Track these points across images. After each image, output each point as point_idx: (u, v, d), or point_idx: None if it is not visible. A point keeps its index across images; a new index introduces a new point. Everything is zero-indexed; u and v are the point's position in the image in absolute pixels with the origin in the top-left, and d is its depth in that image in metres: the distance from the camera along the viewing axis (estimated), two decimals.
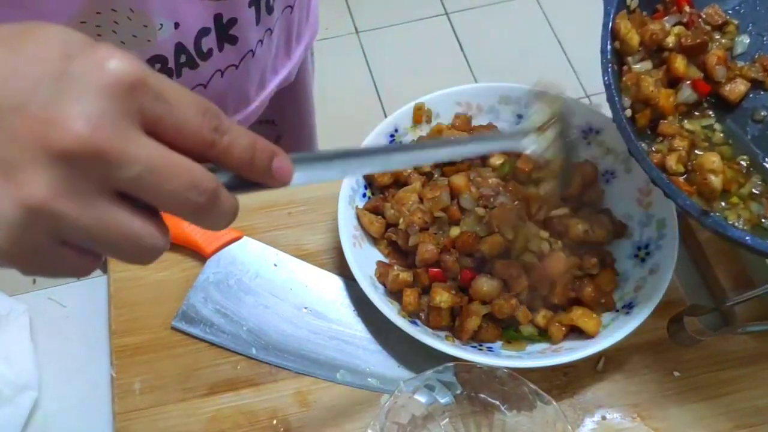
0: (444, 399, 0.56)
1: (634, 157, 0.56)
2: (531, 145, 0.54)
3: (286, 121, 0.99)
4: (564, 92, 0.57)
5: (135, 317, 0.66)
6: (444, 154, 0.53)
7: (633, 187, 0.69)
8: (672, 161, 0.56)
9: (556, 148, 0.55)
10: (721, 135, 0.59)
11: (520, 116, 0.73)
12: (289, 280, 0.68)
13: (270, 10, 0.70)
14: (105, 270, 0.70)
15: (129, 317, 0.66)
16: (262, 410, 0.62)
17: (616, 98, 0.58)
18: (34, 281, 1.77)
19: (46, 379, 0.65)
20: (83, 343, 0.67)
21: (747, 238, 0.51)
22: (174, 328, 0.65)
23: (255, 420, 0.61)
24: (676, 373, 0.64)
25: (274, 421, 0.61)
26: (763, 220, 0.55)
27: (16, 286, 1.70)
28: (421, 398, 0.56)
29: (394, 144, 0.52)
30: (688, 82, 0.59)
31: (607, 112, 0.70)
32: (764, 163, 0.57)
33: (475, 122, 0.73)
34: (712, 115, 0.59)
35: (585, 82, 1.96)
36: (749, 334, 0.65)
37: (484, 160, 0.70)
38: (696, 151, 0.57)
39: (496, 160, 0.69)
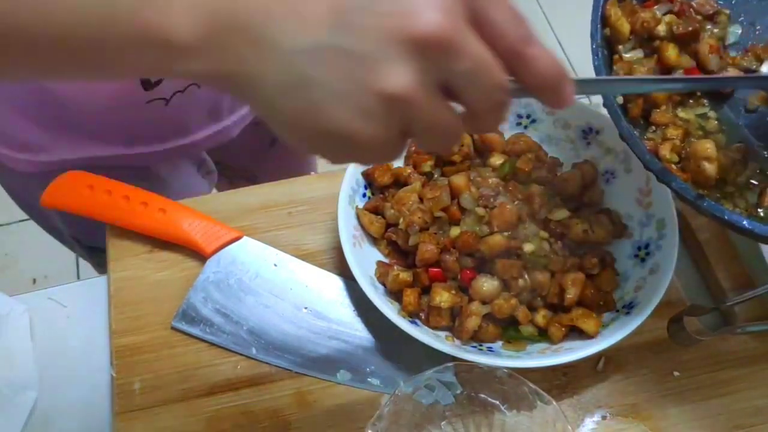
0: (444, 399, 0.56)
1: (626, 141, 0.56)
2: None
3: None
4: None
5: (135, 317, 0.66)
6: (695, 86, 0.54)
7: (633, 187, 0.69)
8: (665, 150, 0.55)
9: None
10: (716, 123, 0.58)
11: (519, 116, 0.73)
12: (289, 280, 0.68)
13: None
14: (104, 268, 0.70)
15: (129, 317, 0.66)
16: (262, 410, 0.62)
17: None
18: (34, 281, 1.77)
19: (46, 379, 0.64)
20: (83, 343, 0.67)
21: (744, 222, 0.50)
22: (174, 328, 0.65)
23: (255, 420, 0.61)
24: (675, 373, 0.64)
25: (274, 421, 0.61)
26: (759, 210, 0.54)
27: (16, 286, 1.70)
28: (421, 398, 0.56)
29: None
30: (681, 71, 0.58)
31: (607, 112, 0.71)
32: (760, 152, 0.56)
33: None
34: (707, 104, 0.59)
35: None
36: (749, 334, 0.65)
37: (484, 160, 0.70)
38: (691, 140, 0.57)
39: (496, 160, 0.69)
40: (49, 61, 0.39)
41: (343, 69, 0.35)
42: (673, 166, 0.55)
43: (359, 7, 0.35)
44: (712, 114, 0.58)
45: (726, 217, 0.50)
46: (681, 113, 0.58)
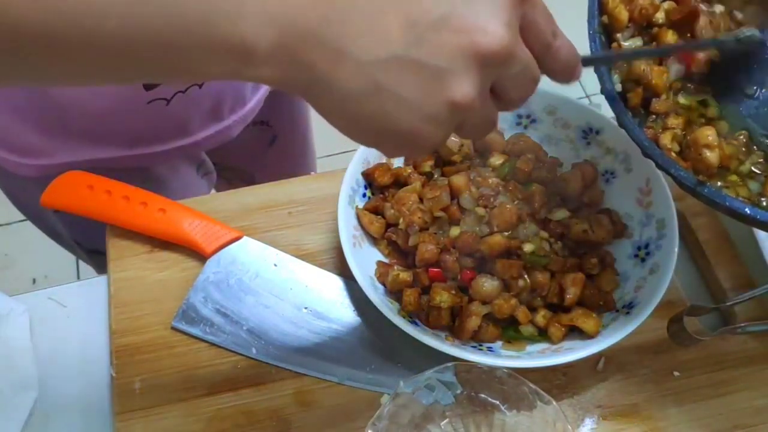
0: (444, 399, 0.56)
1: (625, 128, 0.55)
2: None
3: (282, 122, 0.99)
4: None
5: (135, 317, 0.66)
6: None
7: (633, 187, 0.69)
8: (666, 139, 0.54)
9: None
10: (716, 109, 0.57)
11: (519, 116, 0.73)
12: (289, 280, 0.68)
13: None
14: (105, 270, 0.70)
15: (129, 317, 0.66)
16: (262, 410, 0.62)
17: (603, 67, 0.57)
18: (34, 281, 1.77)
19: (46, 379, 0.64)
20: (83, 343, 0.67)
21: (747, 209, 0.50)
22: (174, 328, 0.65)
23: (255, 420, 0.61)
24: (675, 373, 0.64)
25: (274, 421, 0.61)
26: (762, 199, 0.53)
27: (16, 286, 1.70)
28: (421, 398, 0.56)
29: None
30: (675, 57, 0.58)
31: (607, 112, 0.71)
32: (763, 140, 0.56)
33: None
34: (708, 90, 0.58)
35: (585, 82, 1.96)
36: (749, 334, 0.65)
37: (484, 160, 0.70)
38: (693, 128, 0.56)
39: (496, 160, 0.69)
40: (116, 68, 0.40)
41: (415, 80, 0.38)
42: (674, 154, 0.54)
43: (432, 23, 0.38)
44: (712, 101, 0.58)
45: (727, 204, 0.50)
46: (681, 99, 0.57)
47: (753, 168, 0.54)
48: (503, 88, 0.42)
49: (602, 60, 0.57)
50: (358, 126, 0.41)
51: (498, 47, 0.38)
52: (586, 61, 0.48)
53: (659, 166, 0.53)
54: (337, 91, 0.39)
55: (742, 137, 0.56)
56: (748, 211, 0.49)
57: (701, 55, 0.57)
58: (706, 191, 0.51)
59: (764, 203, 0.53)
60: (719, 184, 0.54)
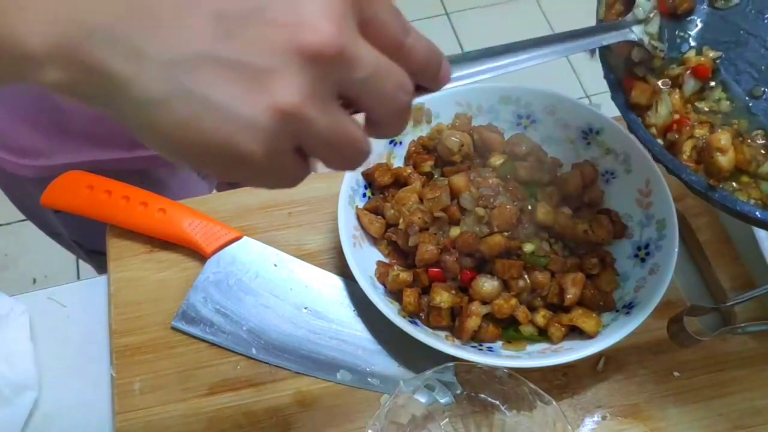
0: (444, 399, 0.56)
1: (631, 130, 0.55)
2: (639, 35, 0.54)
3: None
4: None
5: (135, 317, 0.66)
6: (564, 48, 0.50)
7: (633, 187, 0.69)
8: (687, 147, 0.55)
9: (662, 41, 0.55)
10: (728, 103, 0.58)
11: (519, 116, 0.73)
12: (289, 280, 0.68)
13: None
14: (105, 270, 0.70)
15: (129, 317, 0.66)
16: (262, 410, 0.62)
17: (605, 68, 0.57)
18: (34, 281, 1.77)
19: (46, 379, 0.64)
20: (83, 343, 0.67)
21: (757, 212, 0.50)
22: (174, 328, 0.65)
23: (255, 420, 0.61)
24: (675, 374, 0.64)
25: (274, 421, 0.61)
26: None
27: (16, 286, 1.70)
28: (421, 398, 0.56)
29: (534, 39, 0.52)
30: (688, 71, 0.58)
31: (607, 112, 0.71)
32: None
33: (475, 122, 0.73)
34: (719, 87, 0.58)
35: (585, 82, 1.96)
36: (749, 335, 0.65)
37: (484, 160, 0.70)
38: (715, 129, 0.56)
39: (496, 160, 0.69)
40: None
41: (227, 81, 0.33)
42: (685, 156, 0.55)
43: (246, 16, 0.33)
44: (722, 94, 0.58)
45: (738, 208, 0.50)
46: (701, 105, 0.58)
47: None
48: (359, 100, 0.36)
49: (478, 63, 0.45)
50: (169, 140, 0.34)
51: (326, 44, 0.33)
52: (460, 63, 0.42)
53: (670, 171, 0.53)
54: (136, 97, 0.33)
55: (759, 138, 0.56)
56: (759, 215, 0.50)
57: None
58: (717, 196, 0.51)
59: None
60: (733, 185, 0.54)
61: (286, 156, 0.35)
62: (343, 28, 0.33)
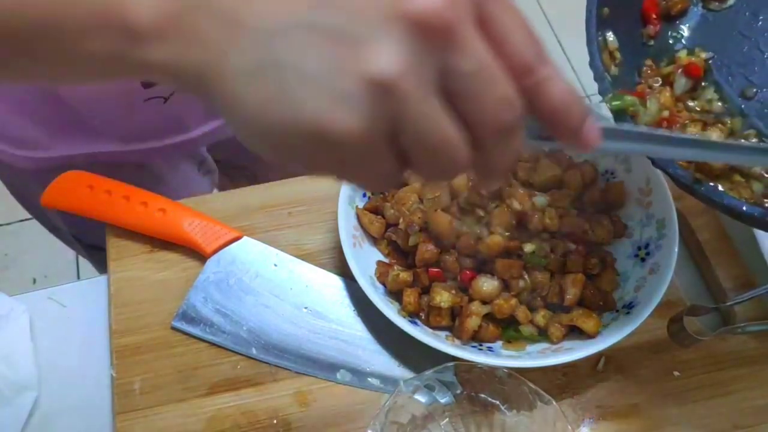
0: (444, 399, 0.56)
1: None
2: None
3: None
4: None
5: (135, 317, 0.66)
6: (741, 159, 0.47)
7: (633, 187, 0.69)
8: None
9: None
10: (720, 104, 0.58)
11: None
12: (289, 280, 0.68)
13: None
14: (104, 267, 0.70)
15: (129, 317, 0.66)
16: (262, 410, 0.62)
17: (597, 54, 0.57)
18: (34, 281, 1.77)
19: (46, 379, 0.64)
20: (83, 343, 0.67)
21: (744, 207, 0.49)
22: (174, 328, 0.65)
23: (255, 420, 0.61)
24: (675, 373, 0.64)
25: (274, 421, 0.61)
26: (765, 201, 0.53)
27: (16, 286, 1.70)
28: (421, 398, 0.56)
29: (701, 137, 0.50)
30: (680, 70, 0.58)
31: (607, 112, 0.70)
32: None
33: None
34: (711, 87, 0.58)
35: (585, 82, 1.96)
36: (749, 334, 0.65)
37: None
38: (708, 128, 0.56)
39: None
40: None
41: (319, 50, 0.30)
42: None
43: None
44: (714, 95, 0.58)
45: (725, 202, 0.50)
46: (692, 104, 0.58)
47: (763, 172, 0.54)
48: (460, 95, 0.32)
49: (637, 142, 0.40)
50: (257, 120, 0.32)
51: (432, 14, 0.29)
52: (613, 136, 0.37)
53: (657, 165, 0.53)
54: (232, 72, 0.31)
55: (752, 137, 0.56)
56: (745, 209, 0.49)
57: None
58: (703, 189, 0.51)
59: (767, 204, 0.53)
60: (726, 186, 0.54)
61: (381, 143, 0.32)
62: (454, 5, 0.30)
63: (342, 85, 0.30)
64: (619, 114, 0.54)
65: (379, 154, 0.32)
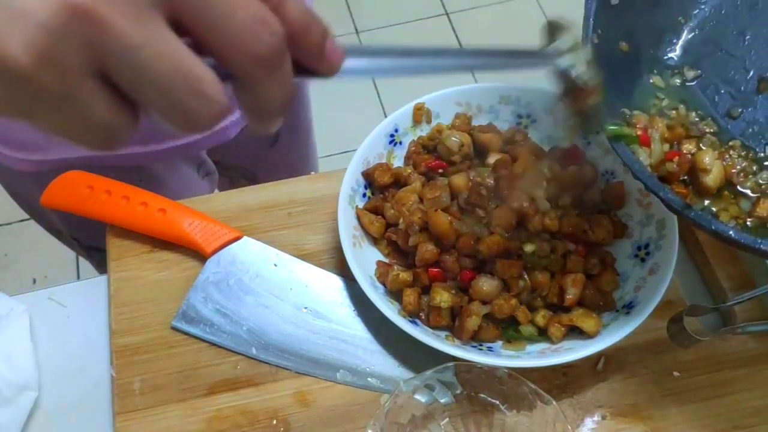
0: (444, 399, 0.56)
1: (614, 149, 0.56)
2: (567, 64, 0.48)
3: (284, 121, 0.99)
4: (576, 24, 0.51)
5: (135, 317, 0.66)
6: (477, 63, 0.43)
7: (633, 187, 0.69)
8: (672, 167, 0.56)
9: (593, 70, 0.49)
10: (689, 112, 0.59)
11: (519, 116, 0.73)
12: (289, 280, 0.68)
13: None
14: (104, 268, 0.70)
15: (129, 317, 0.66)
16: (262, 410, 0.62)
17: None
18: (34, 281, 1.77)
19: (46, 379, 0.65)
20: (83, 343, 0.67)
21: (731, 232, 0.51)
22: (174, 328, 0.65)
23: (255, 420, 0.61)
24: (675, 374, 0.64)
25: (274, 421, 0.61)
26: (749, 220, 0.54)
27: (16, 286, 1.70)
28: (421, 398, 0.56)
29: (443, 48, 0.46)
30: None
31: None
32: (761, 157, 0.57)
33: (475, 122, 0.73)
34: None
35: None
36: (749, 335, 0.65)
37: (482, 160, 0.70)
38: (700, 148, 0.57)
39: (494, 160, 0.69)
40: None
41: None
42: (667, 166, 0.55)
43: None
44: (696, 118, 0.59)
45: (713, 228, 0.51)
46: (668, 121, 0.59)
47: (755, 188, 0.56)
48: (198, 22, 0.28)
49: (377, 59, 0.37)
50: None
51: None
52: (357, 52, 0.35)
53: (648, 189, 0.54)
54: None
55: (750, 154, 0.57)
56: (733, 235, 0.51)
57: None
58: (692, 215, 0.52)
59: (750, 224, 0.54)
60: (712, 202, 0.55)
61: (74, 76, 0.26)
62: None
63: (24, 4, 0.25)
64: (615, 140, 0.55)
65: (82, 95, 0.27)
